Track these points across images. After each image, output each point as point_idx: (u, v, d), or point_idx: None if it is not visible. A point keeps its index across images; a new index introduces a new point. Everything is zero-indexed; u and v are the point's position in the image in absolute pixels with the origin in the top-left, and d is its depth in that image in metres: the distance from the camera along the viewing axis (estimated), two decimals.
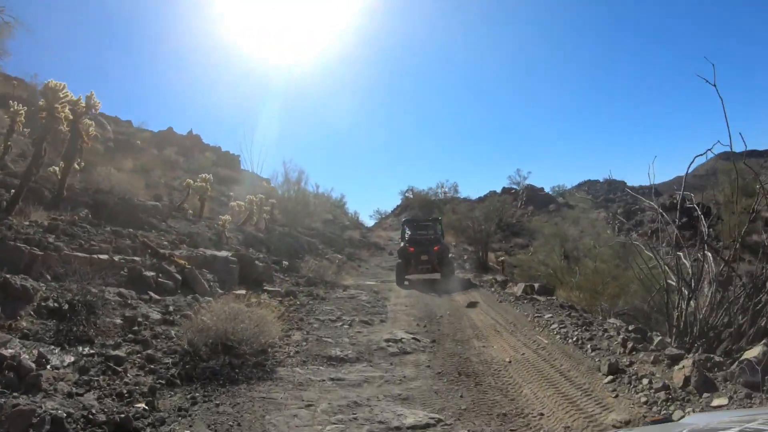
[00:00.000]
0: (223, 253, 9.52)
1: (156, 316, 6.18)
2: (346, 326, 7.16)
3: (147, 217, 10.17)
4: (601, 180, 69.87)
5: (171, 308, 6.59)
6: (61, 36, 57.65)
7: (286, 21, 61.01)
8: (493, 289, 12.11)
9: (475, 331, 6.89)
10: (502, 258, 22.69)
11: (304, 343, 6.05)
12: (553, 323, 6.69)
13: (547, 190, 55.11)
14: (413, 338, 6.35)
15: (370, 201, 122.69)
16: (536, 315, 7.52)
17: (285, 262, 12.74)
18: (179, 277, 7.52)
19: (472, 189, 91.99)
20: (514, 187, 54.13)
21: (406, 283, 13.04)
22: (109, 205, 9.51)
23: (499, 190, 50.87)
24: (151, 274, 7.25)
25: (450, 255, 15.72)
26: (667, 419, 2.67)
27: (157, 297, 6.81)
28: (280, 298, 8.19)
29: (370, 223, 45.07)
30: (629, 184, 63.91)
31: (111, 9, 61.45)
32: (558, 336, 6.12)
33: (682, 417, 2.82)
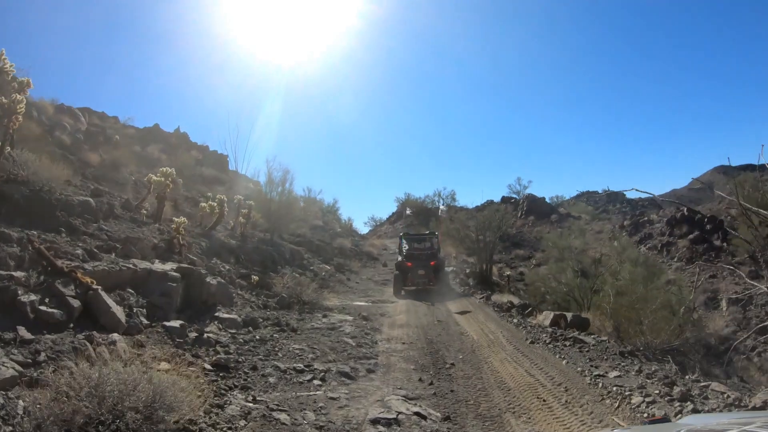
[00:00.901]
0: (163, 267, 7.19)
1: (8, 371, 3.86)
2: (316, 382, 4.86)
3: (70, 216, 7.83)
4: (600, 191, 68.42)
5: (42, 356, 4.27)
6: (48, 24, 55.36)
7: (287, 21, 59.03)
8: (513, 319, 9.83)
9: (506, 395, 4.62)
10: (508, 273, 20.46)
11: (242, 423, 3.74)
12: (629, 390, 4.41)
13: (547, 200, 53.11)
14: (416, 413, 4.06)
15: (366, 208, 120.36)
16: (594, 371, 5.22)
17: (254, 277, 10.41)
18: (77, 304, 5.19)
19: (469, 198, 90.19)
20: (514, 196, 52.08)
21: (403, 293, 13.45)
22: (14, 199, 7.17)
23: (497, 200, 48.82)
24: (32, 298, 4.92)
25: (447, 268, 16.20)
26: (666, 419, 2.18)
27: (28, 336, 4.47)
28: (210, 350, 5.78)
29: (364, 230, 42.84)
30: (628, 196, 62.11)
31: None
32: (646, 416, 3.85)
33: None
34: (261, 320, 7.47)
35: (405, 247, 15.39)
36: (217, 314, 7.20)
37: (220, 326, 6.90)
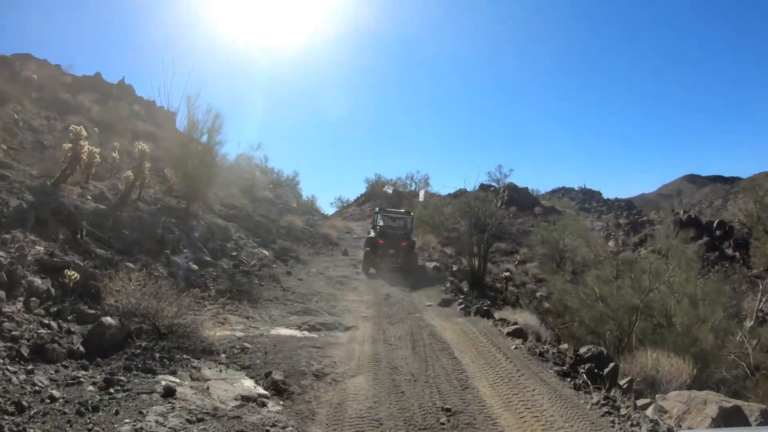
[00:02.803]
0: None
1: None
2: None
3: None
4: (576, 188, 66.02)
5: None
6: None
7: None
8: (541, 355, 5.27)
9: None
10: (507, 274, 16.09)
11: None
12: None
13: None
14: None
15: (337, 190, 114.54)
16: None
17: (71, 273, 5.29)
18: None
19: (442, 185, 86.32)
20: (494, 184, 47.93)
21: (372, 270, 13.09)
22: None
23: (470, 189, 44.56)
24: None
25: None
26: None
27: None
28: None
29: (330, 211, 37.90)
30: (605, 196, 60.00)
31: None
32: None
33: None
34: None
35: (380, 223, 14.82)
36: None
37: None
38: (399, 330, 6.54)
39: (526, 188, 45.20)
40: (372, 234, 14.40)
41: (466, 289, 11.58)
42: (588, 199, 60.39)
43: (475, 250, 14.97)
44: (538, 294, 19.45)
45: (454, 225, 34.40)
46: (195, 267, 8.42)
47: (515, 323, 7.09)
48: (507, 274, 16.18)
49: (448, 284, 10.72)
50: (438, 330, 6.53)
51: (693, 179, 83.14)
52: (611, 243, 31.41)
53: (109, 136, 15.37)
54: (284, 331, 5.85)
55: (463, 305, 9.17)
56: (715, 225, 26.39)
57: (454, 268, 14.69)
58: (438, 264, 14.08)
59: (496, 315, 9.22)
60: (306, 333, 5.95)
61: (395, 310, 8.15)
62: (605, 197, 61.14)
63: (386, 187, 38.46)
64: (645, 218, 28.73)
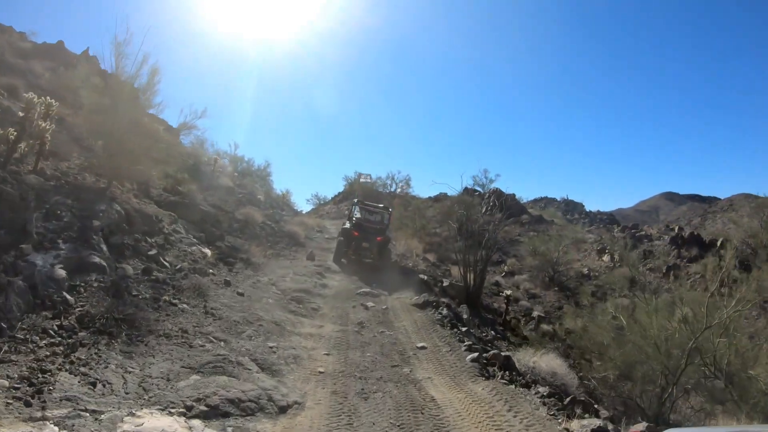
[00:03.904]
0: None
1: None
2: None
3: None
4: (559, 199, 64.84)
5: None
6: None
7: None
8: None
9: None
10: (508, 293, 13.47)
11: None
12: None
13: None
14: None
15: (314, 187, 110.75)
16: None
17: None
18: None
19: (422, 189, 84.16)
20: (478, 189, 45.52)
21: (344, 261, 13.17)
22: None
23: (451, 193, 42.17)
24: None
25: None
26: (650, 429, 2.28)
27: None
28: None
29: (306, 208, 35.04)
30: (587, 209, 59.10)
31: None
32: None
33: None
34: None
35: (356, 215, 14.41)
36: None
37: None
38: (378, 415, 3.75)
39: (513, 195, 43.12)
40: (347, 225, 14.20)
41: (466, 316, 8.89)
42: (570, 210, 59.20)
43: (471, 259, 12.34)
44: (534, 314, 16.99)
45: (435, 229, 31.75)
46: (61, 273, 5.40)
47: (584, 413, 4.37)
48: (509, 293, 13.56)
49: (445, 310, 7.95)
50: (451, 422, 3.72)
51: (671, 197, 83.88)
52: (605, 257, 29.36)
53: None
54: (152, 425, 2.96)
55: (468, 343, 6.44)
56: (719, 244, 24.62)
57: (445, 282, 12.01)
58: (426, 277, 11.39)
59: (513, 357, 6.58)
60: (196, 426, 3.08)
61: (371, 358, 5.37)
62: (587, 209, 60.18)
63: (363, 177, 35.79)
64: (642, 232, 26.77)
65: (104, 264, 6.52)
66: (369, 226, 13.84)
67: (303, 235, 16.04)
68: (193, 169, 16.83)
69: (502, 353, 6.36)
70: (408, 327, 7.07)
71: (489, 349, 7.46)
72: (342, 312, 7.64)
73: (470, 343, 6.51)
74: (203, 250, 10.39)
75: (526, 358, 7.66)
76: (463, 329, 7.55)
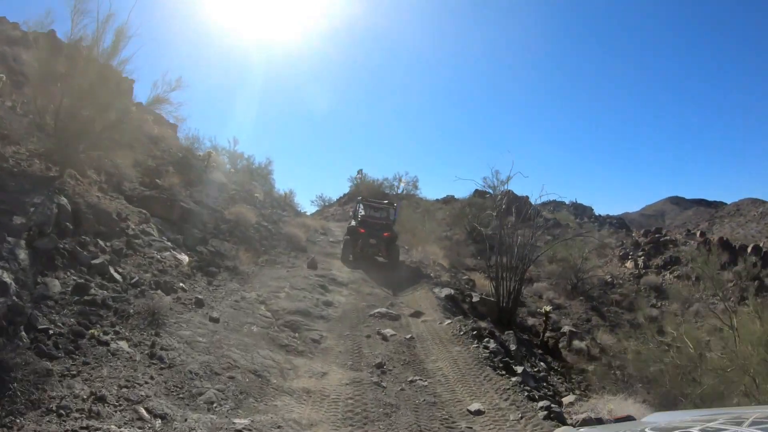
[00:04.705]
0: None
1: None
2: None
3: None
4: (568, 202, 62.54)
5: None
6: None
7: None
8: None
9: None
10: (548, 308, 11.36)
11: None
12: None
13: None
14: None
15: (320, 189, 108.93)
16: None
17: None
18: None
19: (430, 191, 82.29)
20: (489, 191, 43.30)
21: (351, 258, 12.91)
22: None
23: (458, 196, 40.10)
24: None
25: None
26: (630, 417, 2.29)
27: None
28: None
29: (311, 209, 33.17)
30: (596, 212, 56.96)
31: None
32: None
33: None
34: None
35: (361, 213, 14.53)
36: None
37: None
38: None
39: (527, 197, 40.86)
40: (353, 223, 14.24)
41: (514, 347, 6.77)
42: (579, 214, 57.00)
43: (503, 274, 10.26)
44: (565, 328, 14.85)
45: (446, 233, 29.61)
46: None
47: None
48: (548, 309, 11.44)
49: (492, 344, 5.79)
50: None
51: (677, 201, 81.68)
52: (629, 264, 27.13)
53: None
54: None
55: (545, 404, 4.33)
56: (749, 250, 22.44)
57: (474, 297, 9.91)
58: (453, 292, 9.31)
59: (568, 408, 4.51)
60: None
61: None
62: (596, 213, 58.05)
63: (358, 175, 34.11)
64: (667, 237, 24.56)
65: (8, 280, 4.44)
66: (375, 223, 13.76)
67: (304, 238, 13.96)
68: (182, 162, 14.79)
69: (587, 419, 4.24)
70: (447, 371, 4.97)
71: (552, 395, 5.38)
72: (353, 345, 5.55)
73: (547, 403, 4.39)
74: (178, 256, 8.32)
75: (599, 405, 5.60)
76: (519, 369, 5.45)
